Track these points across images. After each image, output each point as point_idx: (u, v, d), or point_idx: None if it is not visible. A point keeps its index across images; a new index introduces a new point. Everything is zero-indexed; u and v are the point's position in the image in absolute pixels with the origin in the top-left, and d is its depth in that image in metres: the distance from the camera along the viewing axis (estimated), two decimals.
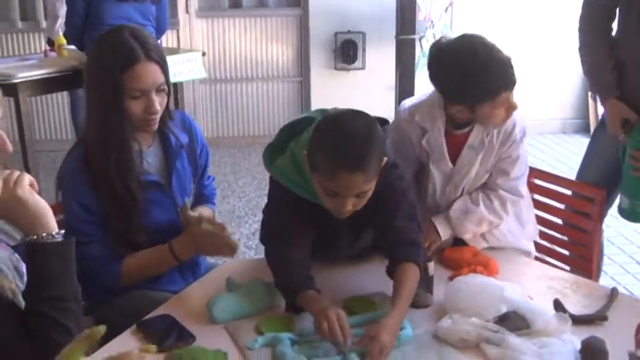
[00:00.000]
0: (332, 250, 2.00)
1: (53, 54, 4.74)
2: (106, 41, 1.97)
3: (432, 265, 1.88)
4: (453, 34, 6.36)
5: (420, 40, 5.66)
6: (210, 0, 6.29)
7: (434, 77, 2.12)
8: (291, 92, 6.51)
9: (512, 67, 2.04)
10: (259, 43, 6.36)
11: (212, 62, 6.23)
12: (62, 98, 5.92)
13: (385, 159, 1.73)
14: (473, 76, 1.99)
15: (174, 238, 2.01)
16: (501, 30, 6.37)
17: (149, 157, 2.05)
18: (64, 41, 4.57)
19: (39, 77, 4.24)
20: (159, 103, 1.94)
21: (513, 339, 1.61)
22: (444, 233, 2.20)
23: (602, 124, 2.74)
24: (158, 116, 1.97)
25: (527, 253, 2.32)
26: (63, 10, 4.85)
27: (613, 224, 3.91)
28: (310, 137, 1.72)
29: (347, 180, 1.64)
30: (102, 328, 1.26)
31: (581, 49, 2.72)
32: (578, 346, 1.60)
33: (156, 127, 2.01)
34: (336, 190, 1.68)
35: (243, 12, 6.32)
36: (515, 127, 2.19)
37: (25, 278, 1.75)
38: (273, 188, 1.92)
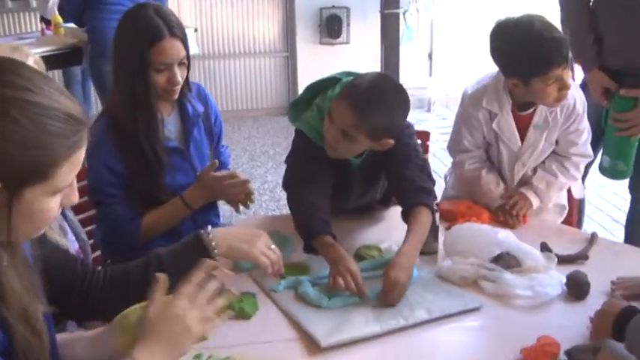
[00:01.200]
0: (343, 199, 2.21)
1: (50, 32, 4.85)
2: (132, 19, 2.13)
3: (437, 216, 2.08)
4: (435, 8, 6.57)
5: (403, 13, 5.85)
6: None
7: (494, 50, 2.28)
8: (278, 67, 6.68)
9: (566, 46, 2.17)
10: (246, 20, 6.51)
11: (200, 38, 6.36)
12: (57, 76, 6.03)
13: (390, 141, 1.95)
14: (526, 49, 2.15)
15: None
16: (482, 3, 6.61)
17: (169, 125, 2.23)
18: (60, 20, 4.68)
19: (40, 55, 4.34)
20: (180, 75, 2.11)
21: (507, 276, 1.83)
22: (535, 202, 2.38)
23: (583, 89, 2.95)
24: (179, 87, 2.15)
25: (563, 207, 2.56)
26: None
27: (591, 186, 4.15)
28: (341, 90, 1.95)
29: (344, 112, 1.90)
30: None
31: (562, 22, 2.91)
32: (564, 280, 1.83)
33: (176, 96, 2.18)
34: (333, 116, 1.93)
35: None
36: (577, 102, 2.36)
37: (70, 235, 1.94)
38: (298, 139, 2.15)
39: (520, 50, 2.17)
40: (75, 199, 1.18)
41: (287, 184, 2.16)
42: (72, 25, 4.50)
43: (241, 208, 2.21)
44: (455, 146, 2.49)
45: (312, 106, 2.08)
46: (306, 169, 2.07)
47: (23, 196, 1.06)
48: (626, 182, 2.94)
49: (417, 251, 1.88)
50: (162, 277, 1.31)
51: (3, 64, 1.07)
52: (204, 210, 2.28)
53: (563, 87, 2.20)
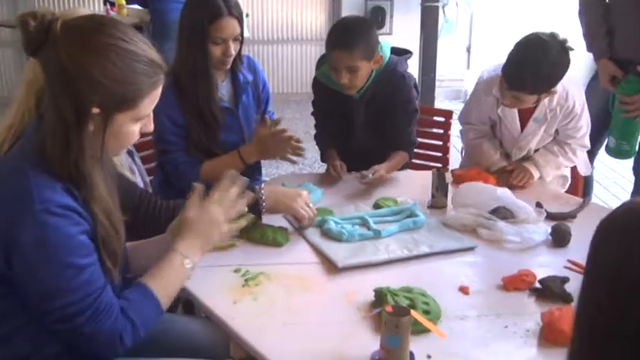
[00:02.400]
0: (351, 138, 2.74)
1: (113, 13, 5.28)
2: None
3: (448, 175, 2.42)
4: (475, 2, 6.82)
5: (443, 7, 6.12)
6: None
7: None
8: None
9: (535, 74, 2.41)
10: (295, 8, 6.87)
11: (251, 24, 6.74)
12: None
13: (380, 55, 2.56)
14: (509, 61, 2.49)
15: None
16: (520, 1, 6.84)
17: (222, 90, 2.60)
18: (124, 1, 5.10)
19: None
20: (234, 48, 2.48)
21: (501, 224, 2.16)
22: (535, 174, 2.70)
23: (595, 77, 3.24)
24: (232, 59, 2.51)
25: (565, 178, 2.87)
26: None
27: (600, 168, 4.47)
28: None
29: (336, 55, 2.48)
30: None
31: (579, 14, 3.21)
32: (549, 230, 2.14)
33: (229, 67, 2.55)
34: (334, 64, 2.50)
35: None
36: (576, 103, 2.64)
37: (137, 176, 2.33)
38: (313, 86, 2.82)
39: (508, 59, 2.49)
40: (151, 127, 1.55)
41: (314, 115, 2.92)
42: (135, 6, 4.91)
43: (296, 158, 2.57)
44: (463, 117, 2.86)
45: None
46: (320, 113, 2.87)
47: (115, 119, 1.43)
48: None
49: (391, 170, 2.62)
50: (198, 187, 1.70)
51: (105, 19, 1.44)
52: (251, 168, 2.64)
53: (513, 103, 2.54)
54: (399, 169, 2.74)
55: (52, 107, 1.40)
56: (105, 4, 5.77)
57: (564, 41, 2.44)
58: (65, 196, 1.39)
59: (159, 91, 1.49)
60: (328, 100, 2.75)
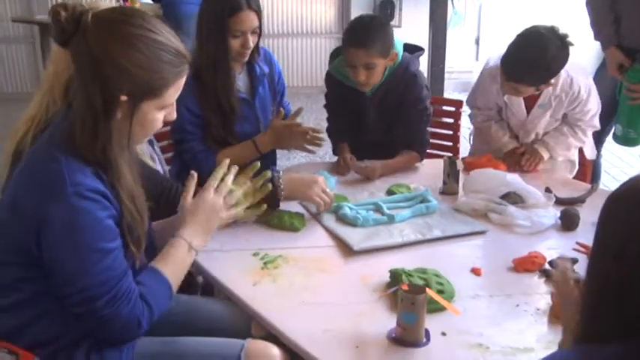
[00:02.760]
0: (365, 130, 2.80)
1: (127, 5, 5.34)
2: None
3: (460, 162, 2.49)
4: None
5: None
6: None
7: None
8: (333, 47, 7.02)
9: (530, 66, 2.49)
10: (305, 2, 6.92)
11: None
12: None
13: (395, 52, 2.61)
14: (509, 51, 2.57)
15: None
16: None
17: (239, 82, 2.65)
18: None
19: None
20: (252, 41, 2.53)
21: (511, 209, 2.21)
22: (545, 155, 2.78)
23: (602, 65, 3.28)
24: (249, 51, 2.57)
25: (572, 164, 2.92)
26: None
27: (608, 157, 4.49)
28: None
29: (354, 54, 2.53)
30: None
31: (587, 4, 3.26)
32: (559, 215, 2.20)
33: (246, 59, 2.61)
34: (349, 60, 2.56)
35: None
36: (581, 88, 2.70)
37: (157, 164, 2.39)
38: (326, 80, 2.86)
39: (507, 51, 2.57)
40: (174, 115, 1.61)
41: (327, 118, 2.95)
42: (148, 0, 4.98)
43: (314, 148, 2.64)
44: (470, 102, 2.95)
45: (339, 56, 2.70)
46: (333, 106, 2.90)
47: (141, 108, 1.50)
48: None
49: (391, 170, 2.64)
50: (193, 175, 1.78)
51: (134, 11, 1.51)
52: (266, 158, 2.71)
53: (513, 92, 2.64)
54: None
55: (81, 95, 1.46)
56: None
57: (564, 36, 2.50)
58: (95, 180, 1.46)
59: (183, 80, 1.56)
60: (340, 95, 2.80)
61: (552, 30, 2.51)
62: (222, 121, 2.57)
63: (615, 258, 1.06)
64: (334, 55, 2.87)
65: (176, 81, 1.53)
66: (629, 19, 3.08)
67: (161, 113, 1.56)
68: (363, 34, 2.53)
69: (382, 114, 2.75)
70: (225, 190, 1.78)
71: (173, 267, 1.63)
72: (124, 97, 1.46)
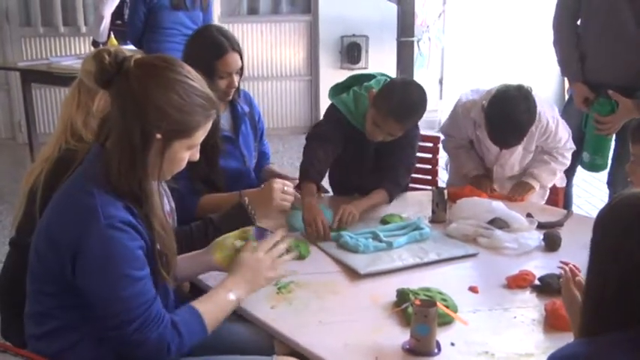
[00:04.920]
0: (359, 166, 2.86)
1: None
2: (201, 37, 2.72)
3: (446, 192, 2.68)
4: (446, 37, 7.19)
5: (417, 42, 6.46)
6: (231, 7, 7.09)
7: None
8: (302, 89, 7.30)
9: (520, 134, 2.74)
10: (274, 46, 7.14)
11: None
12: None
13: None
14: (490, 122, 2.77)
15: (241, 181, 2.69)
16: (488, 34, 7.24)
17: (223, 120, 2.74)
18: (116, 42, 5.29)
19: None
20: (236, 81, 2.68)
21: (498, 233, 2.41)
22: (536, 185, 3.01)
23: (570, 100, 3.54)
24: (233, 90, 2.70)
25: (544, 190, 3.14)
26: (108, 12, 5.57)
27: (580, 184, 4.79)
28: (383, 87, 2.66)
29: (392, 125, 2.61)
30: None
31: (554, 43, 3.50)
32: (542, 237, 2.40)
33: (230, 98, 2.74)
34: (382, 126, 2.64)
35: (260, 18, 7.11)
36: (549, 122, 2.94)
37: (166, 202, 2.51)
38: (330, 112, 2.87)
39: (489, 122, 2.77)
40: (197, 156, 1.75)
41: (308, 135, 2.84)
42: (130, 46, 5.10)
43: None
44: (444, 130, 3.21)
45: (349, 91, 2.79)
46: (327, 131, 2.80)
47: (173, 146, 1.64)
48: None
49: (366, 205, 2.66)
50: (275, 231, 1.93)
51: (173, 59, 1.66)
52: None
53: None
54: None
55: (119, 132, 1.60)
56: (93, 45, 5.94)
57: (530, 90, 2.76)
58: (126, 213, 1.60)
59: (210, 123, 1.71)
60: (339, 130, 2.78)
61: (520, 89, 2.74)
62: (205, 158, 2.62)
63: (613, 259, 1.25)
64: (337, 90, 2.91)
65: (206, 123, 1.68)
66: (593, 56, 3.33)
67: (188, 153, 1.70)
68: (407, 114, 2.63)
69: (379, 158, 2.83)
70: (276, 254, 1.87)
71: (210, 306, 1.73)
72: (158, 136, 1.60)
